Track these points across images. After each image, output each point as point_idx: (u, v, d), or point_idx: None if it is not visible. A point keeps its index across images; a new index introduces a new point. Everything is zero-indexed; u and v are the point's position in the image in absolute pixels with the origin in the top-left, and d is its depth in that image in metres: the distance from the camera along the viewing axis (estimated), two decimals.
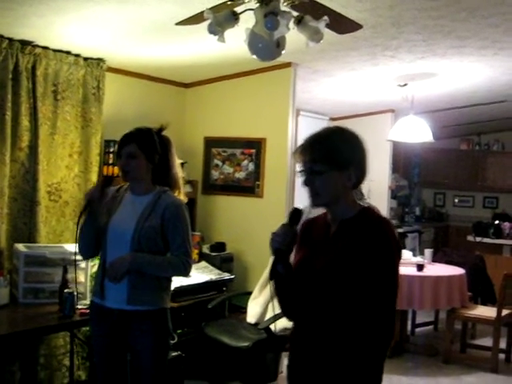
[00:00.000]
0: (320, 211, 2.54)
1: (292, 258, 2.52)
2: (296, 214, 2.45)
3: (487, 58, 5.53)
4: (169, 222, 3.43)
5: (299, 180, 2.46)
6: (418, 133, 6.94)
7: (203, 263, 5.67)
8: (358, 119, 8.70)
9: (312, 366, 2.42)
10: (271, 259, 2.42)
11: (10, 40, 4.42)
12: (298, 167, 2.45)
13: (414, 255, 7.44)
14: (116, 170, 5.15)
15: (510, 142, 11.54)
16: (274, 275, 2.43)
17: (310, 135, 2.45)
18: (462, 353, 6.87)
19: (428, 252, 7.28)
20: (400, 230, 9.51)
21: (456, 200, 12.33)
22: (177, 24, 3.54)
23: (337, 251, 2.35)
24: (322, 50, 4.95)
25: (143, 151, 3.43)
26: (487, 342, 6.78)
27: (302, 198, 2.44)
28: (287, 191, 5.90)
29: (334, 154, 2.37)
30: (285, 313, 2.61)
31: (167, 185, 3.57)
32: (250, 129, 6.07)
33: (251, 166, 6.05)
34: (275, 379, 5.07)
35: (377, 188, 7.85)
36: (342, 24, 3.44)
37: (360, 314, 2.28)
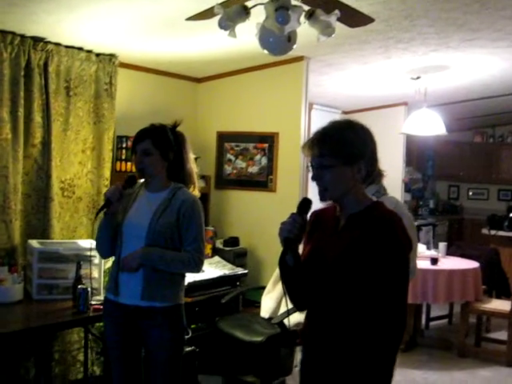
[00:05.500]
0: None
1: (301, 249, 2.50)
2: (305, 203, 2.42)
3: (501, 50, 5.49)
4: (184, 217, 3.43)
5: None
6: (432, 126, 6.93)
7: (216, 258, 5.68)
8: (371, 112, 8.67)
9: (324, 359, 2.42)
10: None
11: (22, 36, 4.42)
12: (308, 162, 2.43)
13: (428, 248, 7.40)
14: (129, 165, 5.18)
15: None
16: (282, 265, 2.40)
17: (318, 129, 2.42)
18: (477, 346, 6.84)
19: (442, 246, 7.25)
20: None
21: (470, 193, 12.27)
22: (187, 19, 3.53)
23: (345, 245, 2.33)
24: (335, 43, 4.93)
25: (158, 148, 3.44)
26: (502, 335, 6.75)
27: (315, 192, 2.42)
28: (300, 185, 5.89)
29: (343, 147, 2.34)
30: (294, 303, 2.59)
31: (182, 181, 3.57)
32: (263, 123, 6.06)
33: (264, 161, 6.04)
34: (289, 373, 5.06)
35: (390, 181, 7.61)
36: (354, 18, 3.42)
37: (371, 308, 2.27)
